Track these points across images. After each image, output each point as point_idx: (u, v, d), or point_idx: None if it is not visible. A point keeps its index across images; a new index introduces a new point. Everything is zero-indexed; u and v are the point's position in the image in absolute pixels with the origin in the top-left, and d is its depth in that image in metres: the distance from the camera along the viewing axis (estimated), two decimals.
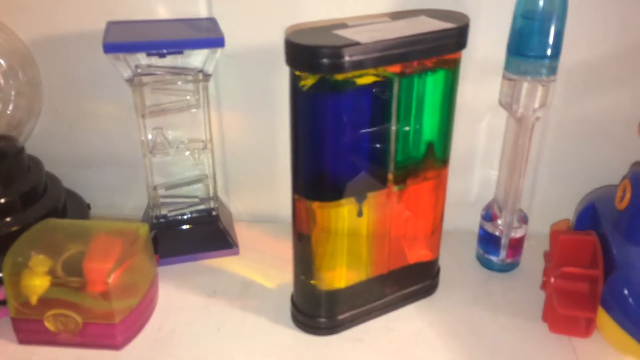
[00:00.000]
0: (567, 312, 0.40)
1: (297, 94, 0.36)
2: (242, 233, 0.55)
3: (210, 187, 0.52)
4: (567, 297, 0.41)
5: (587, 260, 0.41)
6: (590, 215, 0.45)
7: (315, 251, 0.41)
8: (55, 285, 0.41)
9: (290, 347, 0.43)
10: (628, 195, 0.40)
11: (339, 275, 0.43)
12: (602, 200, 0.45)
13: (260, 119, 0.53)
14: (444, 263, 0.49)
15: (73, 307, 0.41)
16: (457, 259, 0.52)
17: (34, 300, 0.41)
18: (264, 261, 0.52)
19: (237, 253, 0.52)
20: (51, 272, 0.41)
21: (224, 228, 0.52)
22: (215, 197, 0.53)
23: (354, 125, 0.38)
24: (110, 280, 0.40)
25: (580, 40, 0.47)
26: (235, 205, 0.58)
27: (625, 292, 0.36)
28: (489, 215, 0.50)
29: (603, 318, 0.38)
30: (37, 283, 0.41)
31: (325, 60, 0.34)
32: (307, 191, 0.39)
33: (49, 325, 0.42)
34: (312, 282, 0.42)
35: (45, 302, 0.41)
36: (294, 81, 0.36)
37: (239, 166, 0.56)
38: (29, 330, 0.42)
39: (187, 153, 0.51)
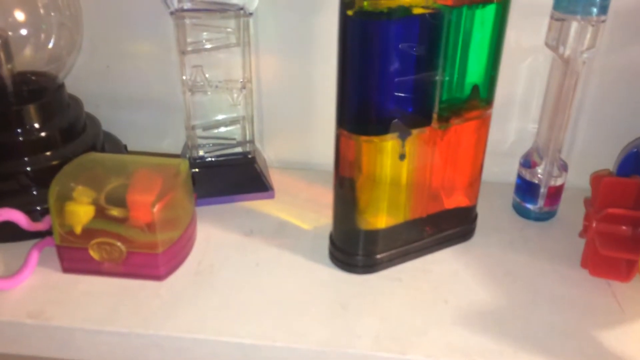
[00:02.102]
0: (610, 253, 0.40)
1: (346, 21, 0.36)
2: (275, 178, 0.55)
3: (248, 129, 0.52)
4: (609, 239, 0.41)
5: (631, 204, 0.41)
6: (632, 162, 0.45)
7: (359, 189, 0.41)
8: (99, 216, 0.42)
9: (327, 283, 0.43)
10: None
11: (381, 215, 0.43)
12: None
13: (297, 63, 0.53)
14: (480, 211, 0.49)
15: (117, 237, 0.42)
16: (492, 208, 0.52)
17: (78, 229, 0.42)
18: (298, 205, 0.52)
19: (272, 196, 0.53)
20: (95, 203, 0.42)
21: (261, 171, 0.52)
22: (252, 140, 0.53)
23: (402, 56, 0.37)
24: (155, 210, 0.41)
25: None
26: (268, 151, 0.58)
27: None
28: (528, 163, 0.49)
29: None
30: (82, 212, 0.41)
31: None
32: (353, 124, 0.39)
33: (93, 253, 0.42)
34: (353, 221, 0.42)
35: (90, 232, 0.42)
36: (344, 7, 0.35)
37: (273, 112, 0.56)
38: (73, 259, 0.43)
39: (226, 93, 0.51)
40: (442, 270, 0.45)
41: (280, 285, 0.43)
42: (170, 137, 0.58)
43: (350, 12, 0.36)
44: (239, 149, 0.53)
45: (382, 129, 0.39)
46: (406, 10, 0.36)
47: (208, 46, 0.48)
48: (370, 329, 0.39)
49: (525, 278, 0.44)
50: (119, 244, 0.42)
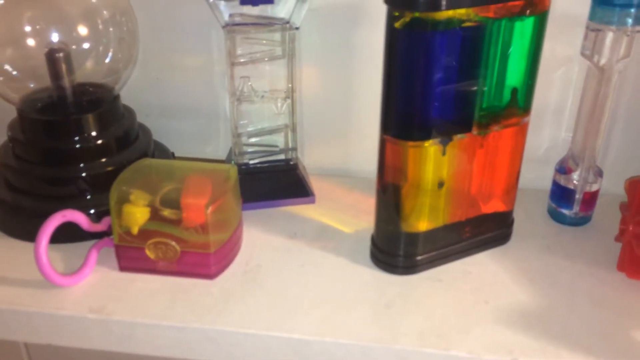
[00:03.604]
0: None
1: (393, 33, 0.38)
2: (316, 185, 0.57)
3: (290, 137, 0.55)
4: None
5: None
6: None
7: (404, 194, 0.43)
8: (155, 218, 0.44)
9: (370, 283, 0.45)
10: None
11: (423, 219, 0.44)
12: None
13: (338, 74, 0.55)
14: (516, 216, 0.51)
15: (171, 238, 0.44)
16: (528, 213, 0.53)
17: (135, 230, 0.44)
18: (339, 209, 0.54)
19: (313, 201, 0.55)
20: (151, 205, 0.44)
21: (302, 177, 0.55)
22: (295, 147, 0.55)
23: (446, 66, 0.39)
24: (208, 212, 0.43)
25: None
26: (308, 158, 0.60)
27: None
28: (563, 169, 0.51)
29: None
30: (139, 214, 0.44)
31: None
32: (398, 130, 0.41)
33: (149, 253, 0.45)
34: (395, 224, 0.44)
35: (146, 232, 0.44)
36: (391, 20, 0.38)
37: (314, 120, 0.58)
38: (130, 258, 0.45)
39: (271, 103, 0.53)
40: (481, 272, 0.46)
41: (325, 284, 0.45)
42: (213, 144, 0.61)
43: (397, 25, 0.38)
44: (281, 156, 0.55)
45: (425, 135, 0.41)
46: (450, 22, 0.38)
47: (255, 58, 0.51)
48: (414, 327, 0.41)
49: (563, 280, 0.45)
50: (173, 243, 0.44)
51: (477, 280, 0.45)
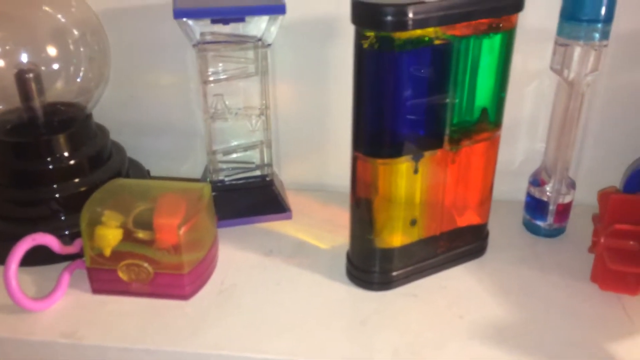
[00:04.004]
0: (618, 268, 0.41)
1: (361, 53, 0.38)
2: (292, 200, 0.57)
3: (266, 153, 0.54)
4: (617, 254, 0.42)
5: (637, 219, 0.43)
6: (638, 180, 0.46)
7: (376, 209, 0.43)
8: (127, 239, 0.44)
9: (346, 300, 0.45)
10: None
11: (396, 234, 0.45)
12: None
13: (313, 90, 0.56)
14: (491, 229, 0.51)
15: (144, 259, 0.44)
16: (503, 225, 0.53)
17: (107, 252, 0.44)
18: (315, 225, 0.54)
19: (290, 217, 0.55)
20: (123, 226, 0.44)
21: (278, 193, 0.55)
22: (270, 164, 0.55)
23: (414, 84, 0.40)
24: (181, 232, 0.43)
25: (633, 6, 0.48)
26: (284, 174, 0.60)
27: None
28: (537, 182, 0.51)
29: None
30: (111, 236, 0.43)
31: (389, 18, 0.36)
32: (368, 148, 0.41)
33: (122, 274, 0.44)
34: (369, 240, 0.44)
35: (118, 254, 0.44)
36: (359, 40, 0.38)
37: (290, 136, 0.58)
38: (103, 280, 0.45)
39: (245, 120, 0.53)
40: (456, 286, 0.46)
41: (300, 302, 0.45)
42: (190, 162, 0.60)
43: (365, 45, 0.38)
44: (257, 172, 0.55)
45: (396, 152, 0.41)
46: (417, 41, 0.39)
47: (228, 76, 0.51)
48: (389, 343, 0.40)
49: (538, 292, 0.45)
50: (146, 265, 0.44)
51: (453, 295, 0.45)
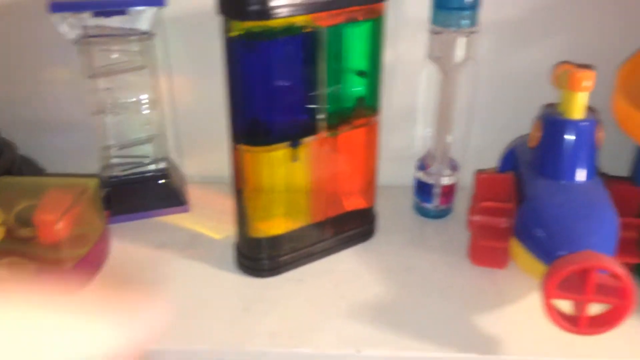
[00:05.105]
0: (485, 243, 0.44)
1: (228, 43, 0.39)
2: (194, 193, 0.57)
3: (160, 147, 0.54)
4: (486, 230, 0.45)
5: (505, 197, 0.45)
6: (510, 160, 0.49)
7: (249, 199, 0.44)
8: (9, 236, 0.43)
9: (232, 288, 0.46)
10: (538, 134, 0.43)
11: (278, 221, 0.45)
12: (520, 144, 0.48)
13: (209, 81, 0.56)
14: (383, 214, 0.53)
15: (26, 256, 0.43)
16: (394, 209, 0.55)
17: None
18: (213, 217, 0.54)
19: (187, 210, 0.55)
20: (4, 224, 0.43)
21: (174, 186, 0.55)
22: (166, 157, 0.55)
23: (283, 73, 0.41)
24: (59, 228, 0.43)
25: None
26: (187, 166, 0.60)
27: (529, 218, 0.40)
28: (422, 165, 0.53)
29: (515, 247, 0.42)
30: None
31: (253, 7, 0.37)
32: (241, 138, 0.42)
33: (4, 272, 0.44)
34: (251, 228, 0.45)
35: (1, 252, 0.43)
36: (225, 30, 0.38)
37: (190, 128, 0.58)
38: None
39: (138, 113, 0.53)
40: (342, 269, 0.48)
41: (191, 292, 0.45)
42: (89, 158, 0.60)
43: (232, 34, 0.39)
44: (153, 166, 0.55)
45: (270, 141, 0.42)
46: (285, 30, 0.39)
47: (115, 70, 0.51)
48: (268, 328, 0.41)
49: (419, 272, 0.47)
50: (28, 262, 0.44)
51: (338, 278, 0.47)
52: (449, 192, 0.53)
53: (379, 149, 0.49)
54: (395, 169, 0.56)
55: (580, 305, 0.35)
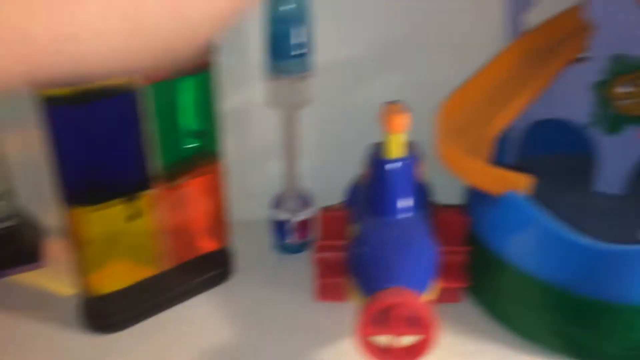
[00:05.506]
0: (323, 280, 0.45)
1: (42, 107, 0.38)
2: (53, 246, 0.56)
3: (8, 203, 0.53)
4: (328, 267, 0.46)
5: (341, 233, 0.47)
6: (353, 194, 0.51)
7: (86, 256, 0.43)
8: None
9: (74, 348, 0.45)
10: (366, 172, 0.46)
11: (121, 275, 0.45)
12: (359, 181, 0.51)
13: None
14: (242, 253, 0.53)
15: None
16: (254, 248, 0.55)
17: None
18: (70, 271, 0.53)
19: (42, 266, 0.54)
20: None
21: (27, 243, 0.53)
22: (16, 214, 0.54)
23: (103, 134, 0.41)
24: None
25: (339, 38, 0.53)
26: (48, 218, 0.59)
27: (353, 255, 0.42)
28: (276, 202, 0.54)
29: (349, 282, 0.44)
30: None
31: None
32: (65, 197, 0.42)
33: None
34: (91, 286, 0.44)
35: None
36: (38, 94, 0.38)
37: (44, 178, 0.57)
38: None
39: None
40: (193, 316, 0.48)
41: (32, 357, 0.44)
42: None
43: (44, 98, 0.38)
44: (5, 224, 0.53)
45: (102, 198, 0.42)
46: (99, 93, 0.39)
47: None
48: None
49: (269, 311, 0.48)
50: None
51: (187, 327, 0.47)
52: (303, 227, 0.54)
53: (225, 191, 0.50)
54: (253, 206, 0.57)
55: (392, 338, 0.37)
